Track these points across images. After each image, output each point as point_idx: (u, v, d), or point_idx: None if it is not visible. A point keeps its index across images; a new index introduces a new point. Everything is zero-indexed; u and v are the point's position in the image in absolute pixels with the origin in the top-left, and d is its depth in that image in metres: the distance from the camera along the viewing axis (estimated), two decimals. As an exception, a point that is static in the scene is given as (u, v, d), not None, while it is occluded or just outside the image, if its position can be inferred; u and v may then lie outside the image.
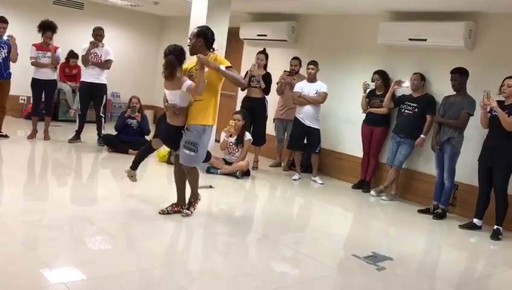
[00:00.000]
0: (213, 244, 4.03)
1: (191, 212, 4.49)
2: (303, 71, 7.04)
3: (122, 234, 3.95)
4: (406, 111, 6.15)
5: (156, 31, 10.77)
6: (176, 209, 4.49)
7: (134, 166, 4.83)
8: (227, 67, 4.20)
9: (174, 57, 4.19)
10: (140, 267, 3.32)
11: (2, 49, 6.62)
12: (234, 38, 7.94)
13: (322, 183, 6.68)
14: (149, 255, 3.52)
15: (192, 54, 4.29)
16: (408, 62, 6.40)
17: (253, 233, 4.49)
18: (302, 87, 6.67)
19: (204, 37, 4.27)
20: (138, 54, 10.47)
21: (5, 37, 6.59)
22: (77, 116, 7.43)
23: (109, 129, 7.50)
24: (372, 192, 6.34)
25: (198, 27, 4.35)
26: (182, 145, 4.29)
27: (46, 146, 6.97)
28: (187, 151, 4.25)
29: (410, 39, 6.16)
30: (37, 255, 3.26)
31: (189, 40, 4.35)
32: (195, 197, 4.57)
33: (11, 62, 6.77)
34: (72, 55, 9.07)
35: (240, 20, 8.19)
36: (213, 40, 4.33)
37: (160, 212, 4.41)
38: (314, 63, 6.66)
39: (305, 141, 6.73)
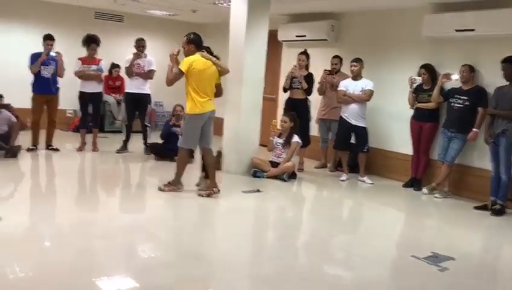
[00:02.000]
0: (265, 248, 3.98)
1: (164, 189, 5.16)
2: (345, 69, 6.92)
3: (176, 241, 3.95)
4: (456, 105, 5.93)
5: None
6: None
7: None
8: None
9: None
10: (194, 274, 3.30)
11: (50, 66, 6.82)
12: (272, 41, 7.85)
13: (372, 183, 6.53)
14: (202, 261, 3.50)
15: (187, 56, 5.11)
16: (455, 54, 6.17)
17: (304, 236, 4.42)
18: (347, 85, 6.55)
19: (194, 42, 5.11)
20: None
21: (52, 54, 6.78)
22: (124, 127, 7.53)
23: (154, 138, 7.60)
24: (424, 190, 6.14)
25: (186, 35, 5.19)
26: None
27: (95, 157, 7.13)
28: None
29: (457, 30, 5.95)
30: (92, 264, 3.31)
31: (182, 49, 5.17)
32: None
33: (58, 77, 6.97)
34: (113, 66, 9.27)
35: (278, 22, 8.13)
36: (201, 42, 5.18)
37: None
38: (357, 60, 6.52)
39: (353, 141, 6.60)
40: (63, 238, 3.77)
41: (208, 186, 5.23)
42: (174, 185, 5.26)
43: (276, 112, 8.64)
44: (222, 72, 5.36)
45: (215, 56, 5.37)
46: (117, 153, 7.34)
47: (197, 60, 5.07)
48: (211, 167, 5.31)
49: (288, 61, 8.30)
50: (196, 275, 3.29)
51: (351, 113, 6.50)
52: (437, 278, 3.54)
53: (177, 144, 5.32)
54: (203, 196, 5.14)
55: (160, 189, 5.24)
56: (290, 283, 3.28)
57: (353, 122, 6.50)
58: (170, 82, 5.16)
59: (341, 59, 6.99)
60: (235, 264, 3.62)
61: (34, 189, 5.44)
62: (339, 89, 6.61)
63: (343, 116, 6.58)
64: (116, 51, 9.18)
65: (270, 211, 5.30)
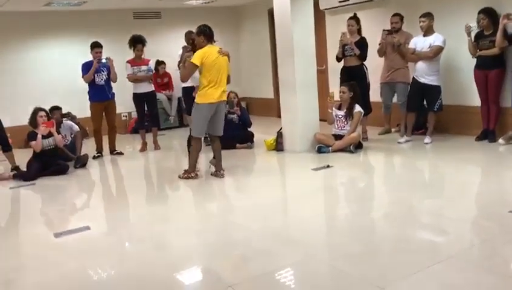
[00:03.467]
0: (353, 224, 3.89)
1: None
2: (409, 28, 6.61)
3: (264, 227, 3.92)
4: (524, 46, 5.58)
5: (234, 22, 10.75)
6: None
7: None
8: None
9: None
10: (293, 260, 3.25)
11: (102, 72, 6.91)
12: (314, 11, 7.67)
13: (428, 143, 6.29)
14: (297, 246, 3.45)
15: (198, 48, 5.22)
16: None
17: (389, 206, 4.26)
18: (416, 42, 6.27)
19: (204, 33, 5.17)
20: (219, 50, 10.52)
21: (103, 60, 6.87)
22: (188, 120, 7.70)
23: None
24: (501, 140, 5.85)
25: (198, 27, 5.25)
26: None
27: (158, 156, 7.22)
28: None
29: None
30: (181, 258, 3.32)
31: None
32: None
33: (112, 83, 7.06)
34: (159, 63, 9.32)
35: (317, -9, 7.88)
36: (212, 33, 5.21)
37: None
38: (425, 15, 6.17)
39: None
40: (140, 236, 3.83)
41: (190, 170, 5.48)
42: (190, 172, 5.44)
43: (327, 83, 8.46)
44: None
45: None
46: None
47: (209, 51, 5.14)
48: (217, 152, 5.49)
49: (333, 31, 8.07)
50: (296, 260, 3.24)
51: (419, 71, 6.23)
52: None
53: (190, 134, 5.51)
54: (180, 178, 5.46)
55: (179, 176, 5.49)
56: (388, 256, 3.18)
57: (422, 80, 6.22)
58: (185, 77, 5.58)
59: (402, 17, 6.64)
60: (330, 245, 3.55)
61: (111, 195, 5.58)
62: (409, 46, 6.34)
63: (414, 76, 6.33)
64: (159, 48, 9.23)
65: (346, 185, 5.19)
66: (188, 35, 7.27)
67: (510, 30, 5.74)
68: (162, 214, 4.55)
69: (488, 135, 6.09)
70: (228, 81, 5.54)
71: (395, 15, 6.70)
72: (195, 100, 5.28)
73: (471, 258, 3.06)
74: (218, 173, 5.44)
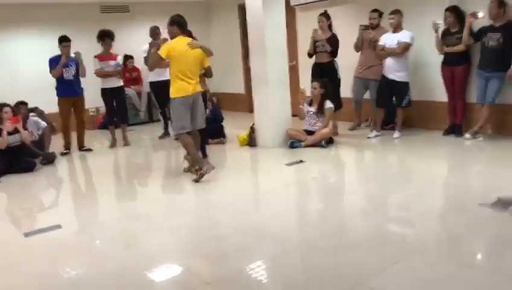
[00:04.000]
0: (328, 218, 3.94)
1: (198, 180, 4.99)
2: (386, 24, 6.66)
3: (241, 222, 3.92)
4: (490, 43, 5.74)
5: (203, 17, 10.65)
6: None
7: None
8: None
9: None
10: (274, 253, 3.27)
11: (71, 67, 6.74)
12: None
13: (397, 137, 6.43)
14: (275, 240, 3.48)
15: (172, 38, 5.13)
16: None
17: (363, 199, 4.34)
18: (385, 39, 6.37)
19: (178, 23, 5.07)
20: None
21: (72, 55, 6.70)
22: (160, 115, 7.90)
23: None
24: (467, 135, 6.02)
25: (171, 17, 5.12)
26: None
27: (128, 152, 7.12)
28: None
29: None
30: (148, 255, 3.30)
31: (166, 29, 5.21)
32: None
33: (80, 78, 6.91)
34: (127, 58, 9.16)
35: (288, -13, 7.90)
36: (185, 24, 5.12)
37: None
38: (394, 12, 6.28)
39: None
40: (111, 234, 3.78)
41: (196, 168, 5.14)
42: (200, 168, 5.06)
43: (297, 78, 8.51)
44: (208, 54, 5.30)
45: (194, 38, 5.40)
46: (160, 138, 7.70)
47: (177, 42, 5.04)
48: (192, 146, 5.15)
49: (304, 28, 8.11)
50: (272, 255, 3.26)
51: (388, 68, 6.35)
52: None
53: (173, 134, 5.34)
54: (197, 181, 5.01)
55: (196, 181, 5.03)
56: (363, 250, 3.23)
57: (391, 76, 6.34)
58: (150, 67, 5.68)
59: (381, 13, 6.69)
60: (305, 240, 3.58)
61: (80, 192, 5.46)
62: (379, 43, 6.43)
63: (383, 72, 6.44)
64: (127, 42, 9.09)
65: (319, 179, 5.24)
66: (153, 30, 7.24)
67: (476, 28, 5.89)
68: (133, 211, 4.50)
69: (455, 130, 6.26)
70: (209, 74, 5.51)
71: (373, 11, 6.74)
72: (170, 95, 5.14)
73: (449, 252, 3.15)
74: (192, 169, 5.26)
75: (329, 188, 4.93)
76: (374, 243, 3.31)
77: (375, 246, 3.26)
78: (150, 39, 7.30)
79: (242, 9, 7.54)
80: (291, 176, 5.29)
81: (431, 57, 6.48)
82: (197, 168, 5.08)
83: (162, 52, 5.01)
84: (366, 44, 6.72)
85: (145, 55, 7.20)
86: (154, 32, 7.25)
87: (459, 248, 3.21)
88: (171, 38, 5.13)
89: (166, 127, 7.76)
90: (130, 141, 7.39)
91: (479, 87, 5.91)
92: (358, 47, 6.82)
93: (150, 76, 7.51)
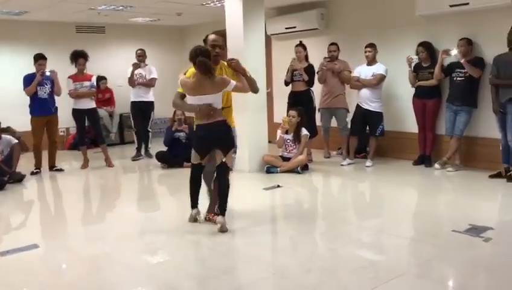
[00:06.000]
0: (302, 242, 3.98)
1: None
2: (343, 56, 6.96)
3: (232, 249, 3.91)
4: (458, 78, 6.05)
5: (179, 41, 10.73)
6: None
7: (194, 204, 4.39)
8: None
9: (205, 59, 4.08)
10: (260, 277, 3.28)
11: (46, 85, 6.65)
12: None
13: (369, 166, 6.60)
14: (260, 266, 3.49)
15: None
16: (452, 29, 6.27)
17: (340, 225, 4.39)
18: (360, 71, 6.61)
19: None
20: (162, 67, 10.41)
21: (47, 73, 6.60)
22: (134, 135, 7.92)
23: (158, 146, 7.53)
24: (436, 165, 6.25)
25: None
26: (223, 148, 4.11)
27: (100, 172, 6.99)
28: (234, 155, 4.30)
29: (451, 6, 6.04)
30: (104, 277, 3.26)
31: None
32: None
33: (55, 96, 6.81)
34: (100, 78, 9.08)
35: (265, 17, 8.08)
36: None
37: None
38: (371, 45, 6.56)
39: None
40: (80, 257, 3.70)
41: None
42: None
43: (272, 105, 8.64)
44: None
45: None
46: (133, 160, 7.64)
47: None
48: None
49: (279, 56, 8.34)
50: (255, 279, 3.27)
51: (363, 98, 6.57)
52: (485, 248, 3.61)
53: (232, 168, 4.30)
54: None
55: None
56: (340, 275, 3.27)
57: (365, 106, 6.56)
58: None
59: (338, 46, 6.99)
60: (288, 266, 3.61)
61: (49, 213, 5.32)
62: (352, 75, 6.66)
63: (358, 102, 6.65)
64: (101, 63, 9.08)
65: (297, 204, 5.28)
66: (138, 52, 7.47)
67: (446, 64, 6.20)
68: (104, 233, 4.41)
69: (424, 160, 6.49)
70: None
71: (332, 44, 7.01)
72: (233, 125, 4.36)
73: (424, 276, 3.23)
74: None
75: (306, 212, 4.96)
76: (347, 269, 3.34)
77: (348, 272, 3.29)
78: (127, 61, 7.39)
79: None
80: (270, 200, 5.33)
81: (403, 89, 6.75)
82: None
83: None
84: (330, 75, 6.92)
85: (129, 76, 7.42)
86: (139, 54, 7.55)
87: (433, 272, 3.29)
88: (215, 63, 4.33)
89: (139, 149, 7.74)
90: (113, 163, 7.31)
91: (448, 120, 6.18)
92: (322, 79, 6.99)
93: (132, 95, 7.63)
